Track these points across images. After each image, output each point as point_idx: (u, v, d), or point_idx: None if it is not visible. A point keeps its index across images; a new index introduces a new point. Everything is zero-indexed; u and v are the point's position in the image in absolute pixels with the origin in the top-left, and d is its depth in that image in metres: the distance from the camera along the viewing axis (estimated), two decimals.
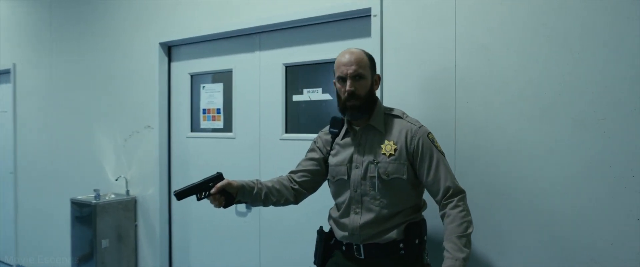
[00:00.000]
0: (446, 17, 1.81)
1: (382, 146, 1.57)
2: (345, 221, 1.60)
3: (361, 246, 1.57)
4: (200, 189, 1.55)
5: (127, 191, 3.05)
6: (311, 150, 1.76)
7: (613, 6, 1.50)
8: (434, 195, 1.55)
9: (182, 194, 1.54)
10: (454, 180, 1.53)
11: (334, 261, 1.67)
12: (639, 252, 1.46)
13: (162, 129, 2.88)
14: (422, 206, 1.66)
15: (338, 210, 1.65)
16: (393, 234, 1.54)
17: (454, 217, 1.46)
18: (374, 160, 1.56)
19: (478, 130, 1.75)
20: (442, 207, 1.51)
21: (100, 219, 2.82)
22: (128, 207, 2.98)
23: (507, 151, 1.69)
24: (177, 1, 2.75)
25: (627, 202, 1.48)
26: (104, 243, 2.84)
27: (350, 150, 1.62)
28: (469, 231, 1.45)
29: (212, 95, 2.74)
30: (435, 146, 1.55)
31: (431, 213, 1.66)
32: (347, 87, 1.54)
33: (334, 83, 1.63)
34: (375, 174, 1.55)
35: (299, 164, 1.75)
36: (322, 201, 1.85)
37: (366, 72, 1.57)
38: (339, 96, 1.60)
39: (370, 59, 1.61)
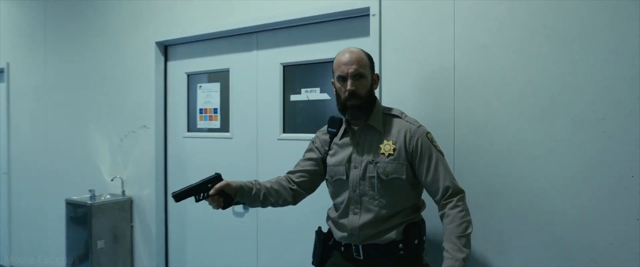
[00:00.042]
0: (445, 16, 1.80)
1: (381, 145, 1.56)
2: (344, 221, 1.60)
3: (360, 246, 1.56)
4: (198, 191, 1.53)
5: (123, 192, 3.03)
6: (309, 150, 1.75)
7: (612, 6, 1.50)
8: (433, 195, 1.55)
9: (180, 196, 1.52)
10: (453, 180, 1.52)
11: (332, 261, 1.66)
12: (638, 252, 1.46)
13: (159, 128, 2.86)
14: (421, 206, 1.65)
15: (336, 210, 1.64)
16: (392, 234, 1.53)
17: (453, 218, 1.46)
18: (373, 160, 1.55)
19: (477, 131, 1.75)
20: (441, 207, 1.51)
21: (95, 220, 2.80)
22: (124, 207, 2.96)
23: (506, 151, 1.69)
24: (173, 0, 2.73)
25: (626, 202, 1.48)
26: (100, 244, 2.82)
27: (349, 150, 1.61)
28: (469, 231, 1.45)
29: (209, 95, 2.72)
30: (434, 145, 1.55)
31: (430, 213, 1.66)
32: (348, 87, 1.53)
33: (332, 83, 1.63)
34: (374, 174, 1.54)
35: (297, 165, 1.74)
36: (320, 201, 1.84)
37: (366, 72, 1.56)
38: (338, 96, 1.59)
39: (370, 58, 1.61)
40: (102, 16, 3.13)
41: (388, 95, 1.94)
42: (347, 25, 2.16)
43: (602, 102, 1.52)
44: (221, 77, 2.67)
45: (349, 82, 1.53)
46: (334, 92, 1.62)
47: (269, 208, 1.69)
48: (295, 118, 2.41)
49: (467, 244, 1.42)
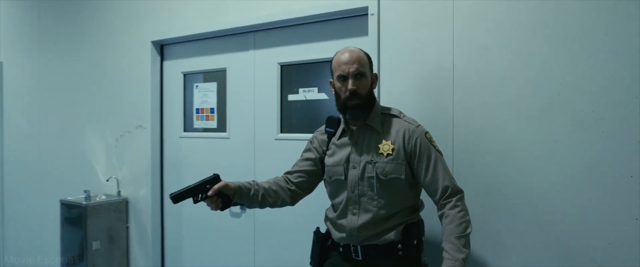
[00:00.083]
0: (444, 16, 1.80)
1: (380, 145, 1.55)
2: (342, 222, 1.59)
3: (359, 247, 1.56)
4: (196, 192, 1.52)
5: (119, 192, 3.00)
6: (307, 150, 1.74)
7: (612, 6, 1.50)
8: (432, 195, 1.54)
9: (178, 197, 1.50)
10: (452, 180, 1.52)
11: (330, 262, 1.66)
12: (638, 252, 1.46)
13: (155, 128, 2.84)
14: (420, 206, 1.64)
15: (335, 211, 1.63)
16: (391, 235, 1.53)
17: (452, 218, 1.45)
18: (371, 160, 1.55)
19: (476, 131, 1.74)
20: (440, 207, 1.50)
21: (90, 221, 2.77)
22: (119, 208, 2.93)
23: (505, 150, 1.69)
24: None
25: (626, 202, 1.48)
26: (95, 245, 2.79)
27: (347, 150, 1.60)
28: (468, 231, 1.44)
29: (205, 95, 2.71)
30: (433, 145, 1.54)
31: (429, 213, 1.65)
32: (349, 86, 1.52)
33: (331, 82, 1.62)
34: (373, 175, 1.53)
35: (295, 165, 1.73)
36: (318, 201, 1.83)
37: (366, 71, 1.56)
38: (338, 95, 1.58)
39: (369, 57, 1.60)
40: (97, 15, 3.10)
41: (387, 95, 1.93)
42: (346, 24, 2.15)
43: (601, 102, 1.52)
44: (218, 76, 2.65)
45: (350, 82, 1.52)
46: (333, 92, 1.61)
47: (267, 208, 1.68)
48: (292, 118, 2.39)
49: (467, 245, 1.42)
